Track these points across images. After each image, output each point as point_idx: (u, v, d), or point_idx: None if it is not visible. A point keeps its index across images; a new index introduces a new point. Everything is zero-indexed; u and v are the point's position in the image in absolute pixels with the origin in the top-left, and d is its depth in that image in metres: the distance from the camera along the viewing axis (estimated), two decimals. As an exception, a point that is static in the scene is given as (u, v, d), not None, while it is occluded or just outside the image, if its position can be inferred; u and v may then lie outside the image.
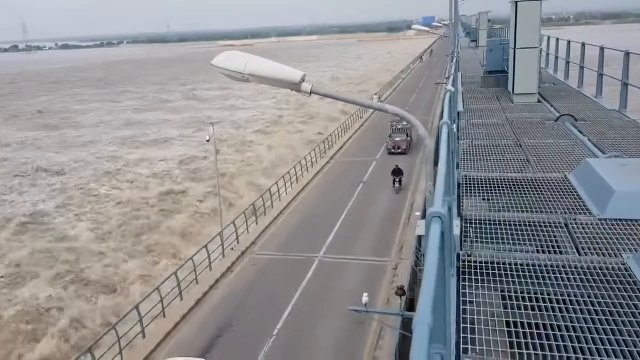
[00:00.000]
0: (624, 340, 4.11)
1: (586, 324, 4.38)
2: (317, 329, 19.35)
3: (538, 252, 5.94)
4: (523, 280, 5.18)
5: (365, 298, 16.65)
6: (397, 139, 42.87)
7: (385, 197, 32.47)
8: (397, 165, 33.98)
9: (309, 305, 20.96)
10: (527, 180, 8.59)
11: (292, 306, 20.89)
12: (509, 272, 5.33)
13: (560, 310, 4.61)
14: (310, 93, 5.90)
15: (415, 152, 42.20)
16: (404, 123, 41.02)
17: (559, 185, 8.23)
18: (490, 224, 6.70)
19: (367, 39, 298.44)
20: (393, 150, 42.56)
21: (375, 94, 66.42)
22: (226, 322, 20.27)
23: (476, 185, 8.40)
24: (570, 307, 4.66)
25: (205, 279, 23.51)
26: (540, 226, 6.61)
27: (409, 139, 43.22)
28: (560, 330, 4.29)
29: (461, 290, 4.97)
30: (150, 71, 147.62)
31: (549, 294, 4.88)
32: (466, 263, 5.57)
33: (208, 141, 29.27)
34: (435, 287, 1.97)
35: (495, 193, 8.02)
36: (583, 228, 6.50)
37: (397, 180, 32.93)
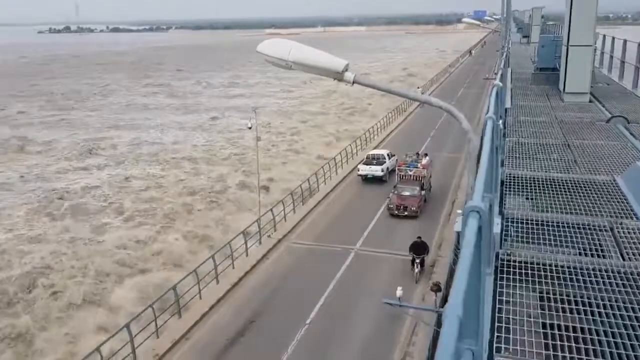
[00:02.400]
0: (666, 350, 3.96)
1: (626, 330, 4.24)
2: (349, 321, 19.40)
3: (580, 254, 5.77)
4: (563, 282, 5.05)
5: (399, 291, 16.52)
6: (405, 193, 28.72)
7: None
8: (419, 238, 22.53)
9: (343, 296, 21.01)
10: (573, 181, 8.34)
11: (325, 296, 21.00)
12: (548, 274, 5.20)
13: (600, 315, 4.47)
14: (353, 82, 5.86)
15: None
16: (418, 165, 30.76)
17: (606, 188, 7.97)
18: (532, 224, 6.55)
19: (416, 30, 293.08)
20: (396, 212, 28.31)
21: (418, 87, 65.44)
22: (260, 308, 20.55)
23: (520, 184, 8.21)
24: (611, 312, 4.52)
25: (241, 265, 23.86)
26: (584, 228, 6.42)
27: (422, 192, 29.19)
28: (598, 335, 4.17)
29: (498, 289, 4.88)
30: (185, 58, 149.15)
31: (589, 298, 4.74)
32: (505, 262, 5.46)
33: (250, 128, 29.44)
34: (468, 280, 1.93)
35: (540, 193, 7.83)
36: (629, 232, 6.27)
37: (417, 260, 21.96)
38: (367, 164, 34.74)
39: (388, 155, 35.69)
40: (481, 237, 2.70)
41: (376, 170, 34.21)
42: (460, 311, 1.69)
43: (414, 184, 29.41)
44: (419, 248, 22.24)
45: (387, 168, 34.49)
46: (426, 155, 33.41)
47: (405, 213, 28.08)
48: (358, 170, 34.87)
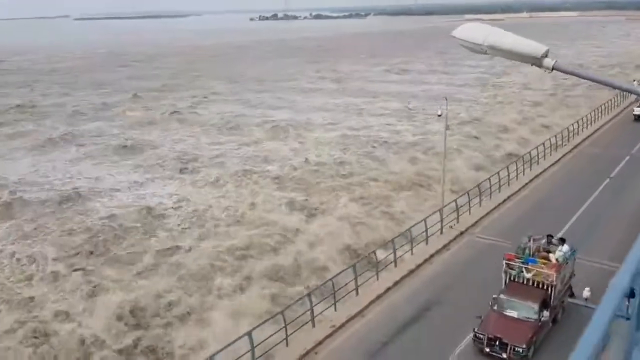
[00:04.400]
0: None
1: None
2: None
3: None
4: None
5: (586, 292, 15.22)
6: (510, 314, 16.73)
7: (635, 199, 28.54)
8: None
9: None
10: None
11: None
12: None
13: None
14: (552, 69, 5.46)
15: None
16: (540, 262, 17.48)
17: None
18: None
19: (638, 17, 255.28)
20: (487, 349, 16.27)
21: (634, 80, 57.42)
22: (435, 298, 20.38)
23: None
24: None
25: (419, 252, 23.83)
26: None
27: (544, 315, 16.46)
28: None
29: None
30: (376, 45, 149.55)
31: None
32: None
33: (440, 115, 28.93)
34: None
35: None
36: None
37: None
38: None
39: None
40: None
41: None
42: (625, 288, 1.52)
43: (531, 296, 16.73)
44: None
45: None
46: (563, 241, 18.50)
47: (504, 355, 15.85)
48: (633, 111, 47.05)
